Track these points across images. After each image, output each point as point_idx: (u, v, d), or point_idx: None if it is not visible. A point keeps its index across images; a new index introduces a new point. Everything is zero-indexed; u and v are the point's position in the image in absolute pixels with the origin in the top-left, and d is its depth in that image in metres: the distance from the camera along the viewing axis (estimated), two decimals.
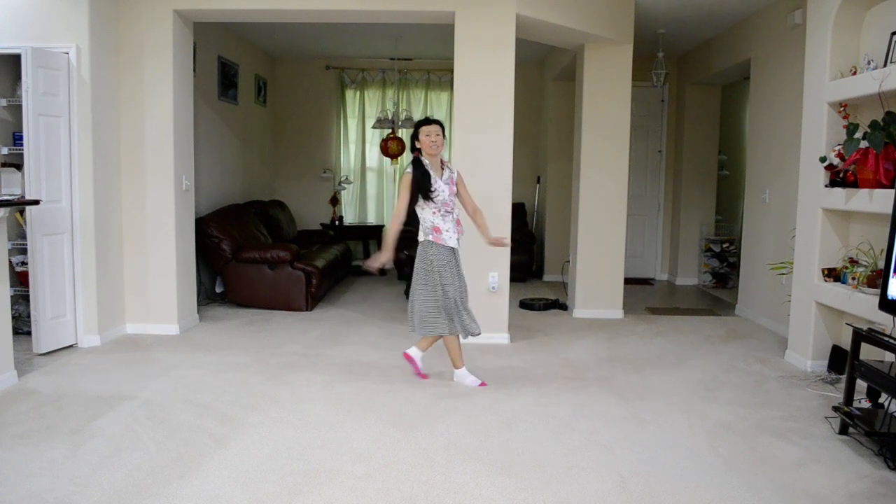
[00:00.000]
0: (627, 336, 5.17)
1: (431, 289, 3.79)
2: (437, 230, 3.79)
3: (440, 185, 3.78)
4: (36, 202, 3.95)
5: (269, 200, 7.66)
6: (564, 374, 4.14)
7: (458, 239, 3.85)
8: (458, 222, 3.88)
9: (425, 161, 3.80)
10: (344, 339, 4.91)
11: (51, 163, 4.32)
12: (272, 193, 8.33)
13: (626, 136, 5.69)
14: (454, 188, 3.88)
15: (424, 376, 4.01)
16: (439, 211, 3.79)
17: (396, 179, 8.51)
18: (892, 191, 3.39)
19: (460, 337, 3.90)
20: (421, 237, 3.84)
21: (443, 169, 3.86)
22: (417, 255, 3.84)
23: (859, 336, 3.21)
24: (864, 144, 3.66)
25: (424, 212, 3.81)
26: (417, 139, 3.83)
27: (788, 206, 5.05)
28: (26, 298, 4.59)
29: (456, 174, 3.94)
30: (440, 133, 3.81)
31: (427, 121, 3.87)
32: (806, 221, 4.29)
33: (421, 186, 3.75)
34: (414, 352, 4.04)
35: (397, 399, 3.64)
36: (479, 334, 3.92)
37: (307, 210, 8.49)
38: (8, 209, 3.79)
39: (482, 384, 3.89)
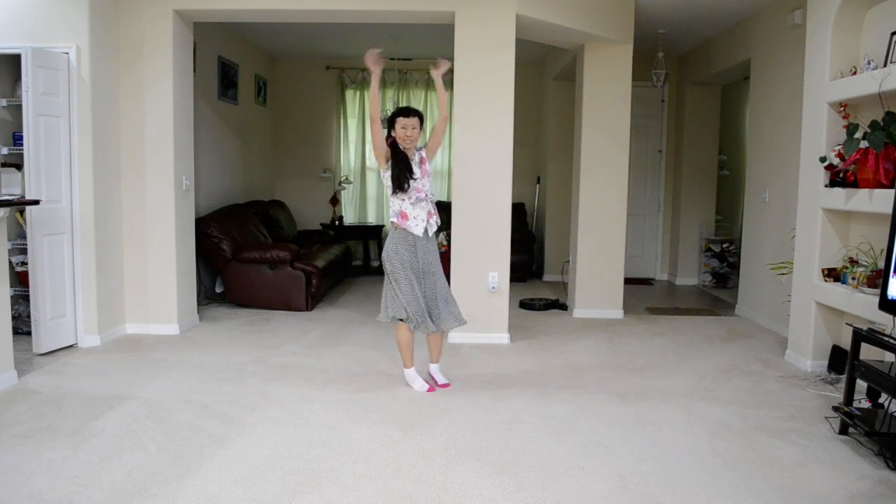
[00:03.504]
0: (627, 336, 5.17)
1: (388, 275, 3.73)
2: (403, 216, 3.65)
3: (416, 172, 3.64)
4: (36, 202, 3.95)
5: (269, 200, 7.66)
6: (564, 374, 4.14)
7: (426, 228, 3.65)
8: (430, 213, 3.67)
9: (401, 146, 3.65)
10: (344, 340, 4.91)
11: (51, 163, 4.32)
12: (272, 193, 8.33)
13: (626, 136, 5.69)
14: (427, 169, 3.68)
15: (431, 389, 3.82)
16: (409, 197, 3.63)
17: None
18: (892, 191, 3.39)
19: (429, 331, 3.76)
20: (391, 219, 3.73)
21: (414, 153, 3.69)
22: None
23: (859, 336, 3.21)
24: (864, 144, 3.66)
25: (394, 196, 3.66)
26: (393, 128, 3.64)
27: (788, 206, 5.05)
28: (26, 298, 4.59)
29: (422, 153, 3.72)
30: (417, 126, 3.62)
31: (406, 111, 3.67)
32: (806, 221, 4.29)
33: (399, 178, 3.58)
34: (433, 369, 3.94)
35: (397, 399, 3.64)
36: (433, 331, 3.75)
37: (307, 210, 8.49)
38: (8, 209, 3.79)
39: (429, 389, 3.77)
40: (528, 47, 6.50)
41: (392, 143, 3.67)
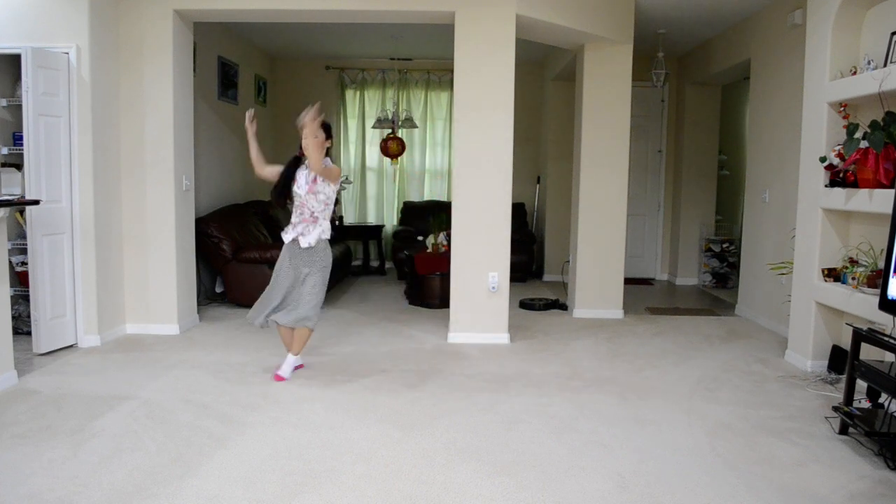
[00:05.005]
0: (627, 336, 5.17)
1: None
2: (290, 222, 3.95)
3: (300, 180, 3.93)
4: (36, 202, 3.95)
5: (269, 200, 7.64)
6: (564, 374, 4.14)
7: (294, 237, 3.87)
8: (309, 220, 3.90)
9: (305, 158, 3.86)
10: (344, 340, 4.91)
11: (51, 163, 4.32)
12: None
13: (626, 136, 5.69)
14: (312, 185, 3.89)
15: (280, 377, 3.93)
16: (293, 204, 3.95)
17: (397, 179, 8.53)
18: (892, 191, 3.39)
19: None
20: None
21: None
22: None
23: (859, 336, 3.21)
24: (864, 144, 3.67)
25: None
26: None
27: (788, 206, 5.05)
28: (26, 298, 4.59)
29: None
30: (318, 136, 3.78)
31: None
32: (806, 221, 4.29)
33: (282, 178, 3.93)
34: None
35: (397, 399, 3.64)
36: (261, 326, 3.99)
37: None
38: (8, 209, 3.79)
39: (277, 377, 3.93)
40: (528, 47, 6.51)
41: (295, 157, 3.99)
